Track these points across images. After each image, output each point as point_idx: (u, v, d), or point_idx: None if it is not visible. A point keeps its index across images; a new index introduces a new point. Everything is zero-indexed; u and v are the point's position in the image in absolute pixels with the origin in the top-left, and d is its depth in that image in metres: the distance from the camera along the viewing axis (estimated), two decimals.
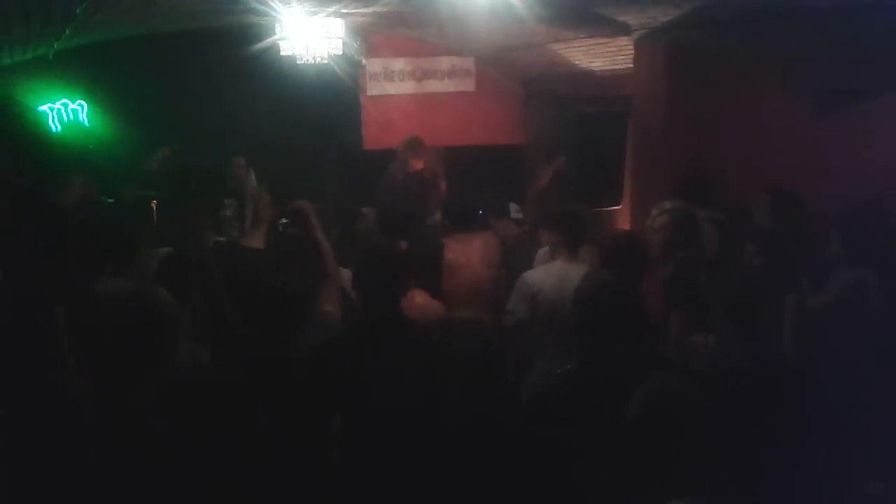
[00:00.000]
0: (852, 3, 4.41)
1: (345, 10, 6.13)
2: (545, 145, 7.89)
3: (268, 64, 6.69)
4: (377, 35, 7.60)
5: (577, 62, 7.10)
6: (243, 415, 2.38)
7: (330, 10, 6.00)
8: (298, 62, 6.36)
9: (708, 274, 3.89)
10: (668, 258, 4.11)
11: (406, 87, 7.85)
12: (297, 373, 2.89)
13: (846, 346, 3.65)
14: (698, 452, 2.24)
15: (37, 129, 7.73)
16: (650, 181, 5.81)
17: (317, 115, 7.97)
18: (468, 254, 4.64)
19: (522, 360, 3.96)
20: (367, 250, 3.68)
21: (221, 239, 5.31)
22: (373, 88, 7.77)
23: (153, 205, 6.76)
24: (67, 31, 5.40)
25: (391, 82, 7.82)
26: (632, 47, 5.99)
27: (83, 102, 8.37)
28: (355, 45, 7.28)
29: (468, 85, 7.96)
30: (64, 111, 8.27)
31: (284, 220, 4.54)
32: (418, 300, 3.98)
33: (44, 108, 8.14)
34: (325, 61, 6.46)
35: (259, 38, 6.39)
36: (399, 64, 7.81)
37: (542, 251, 4.57)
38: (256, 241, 3.85)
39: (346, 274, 3.69)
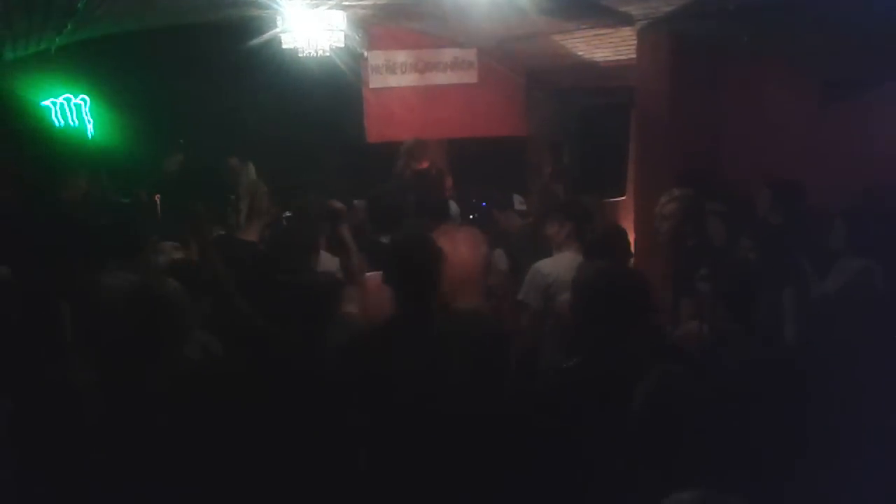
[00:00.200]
0: None
1: (346, 3, 6.12)
2: (548, 137, 7.88)
3: (269, 57, 6.67)
4: (379, 27, 7.57)
5: (579, 53, 7.08)
6: (251, 407, 2.38)
7: (331, 2, 5.99)
8: (300, 55, 6.35)
9: (711, 265, 3.89)
10: (676, 245, 4.10)
11: (408, 80, 7.80)
12: (322, 372, 2.84)
13: (851, 336, 3.65)
14: (702, 444, 2.25)
15: (39, 124, 7.75)
16: (654, 172, 5.80)
17: (319, 108, 7.94)
18: (453, 246, 4.62)
19: (530, 351, 3.95)
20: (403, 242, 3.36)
21: (222, 232, 5.31)
22: (375, 81, 7.72)
23: (157, 199, 6.76)
24: (69, 26, 5.39)
25: (393, 74, 7.77)
26: (635, 38, 5.96)
27: (86, 97, 8.36)
28: (357, 37, 7.25)
29: (471, 77, 7.91)
30: (66, 106, 8.27)
31: (288, 214, 4.53)
32: None
33: (46, 102, 8.13)
34: (327, 54, 6.44)
35: (260, 31, 6.38)
36: (401, 56, 7.76)
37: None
38: (252, 235, 3.84)
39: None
